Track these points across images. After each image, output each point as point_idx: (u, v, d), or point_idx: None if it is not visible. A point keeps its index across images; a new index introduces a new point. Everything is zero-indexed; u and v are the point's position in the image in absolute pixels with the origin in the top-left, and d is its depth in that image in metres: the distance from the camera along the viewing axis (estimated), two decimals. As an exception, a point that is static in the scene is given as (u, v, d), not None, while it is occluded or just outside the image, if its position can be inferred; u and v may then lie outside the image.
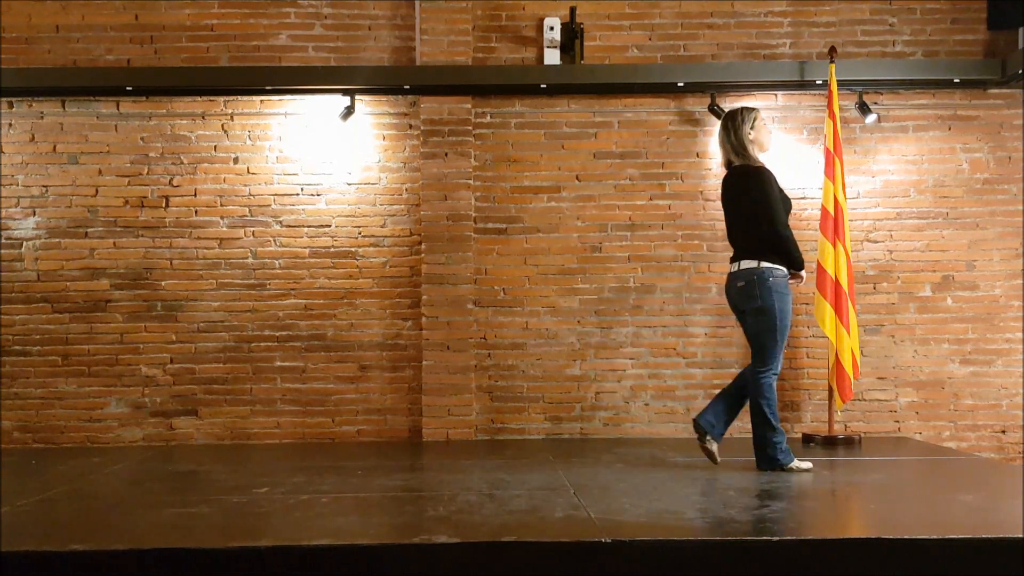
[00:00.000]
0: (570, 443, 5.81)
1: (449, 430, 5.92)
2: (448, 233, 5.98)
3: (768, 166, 4.66)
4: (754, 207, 4.55)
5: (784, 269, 4.56)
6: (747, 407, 4.67)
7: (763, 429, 4.57)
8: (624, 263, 6.06)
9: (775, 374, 4.59)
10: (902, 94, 6.12)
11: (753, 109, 4.73)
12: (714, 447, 4.68)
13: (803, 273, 4.67)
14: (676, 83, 5.95)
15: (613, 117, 6.11)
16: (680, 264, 6.09)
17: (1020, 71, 5.72)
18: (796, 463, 4.57)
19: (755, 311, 4.54)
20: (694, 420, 4.70)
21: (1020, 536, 3.15)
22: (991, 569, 3.12)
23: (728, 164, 4.74)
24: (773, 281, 4.50)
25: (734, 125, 4.66)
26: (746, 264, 4.57)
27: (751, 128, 4.65)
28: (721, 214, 6.04)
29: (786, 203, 4.67)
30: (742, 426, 6.02)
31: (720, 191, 4.81)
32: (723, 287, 6.04)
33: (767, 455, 4.58)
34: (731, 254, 4.75)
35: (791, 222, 4.69)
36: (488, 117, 6.11)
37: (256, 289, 6.05)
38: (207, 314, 6.03)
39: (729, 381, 6.00)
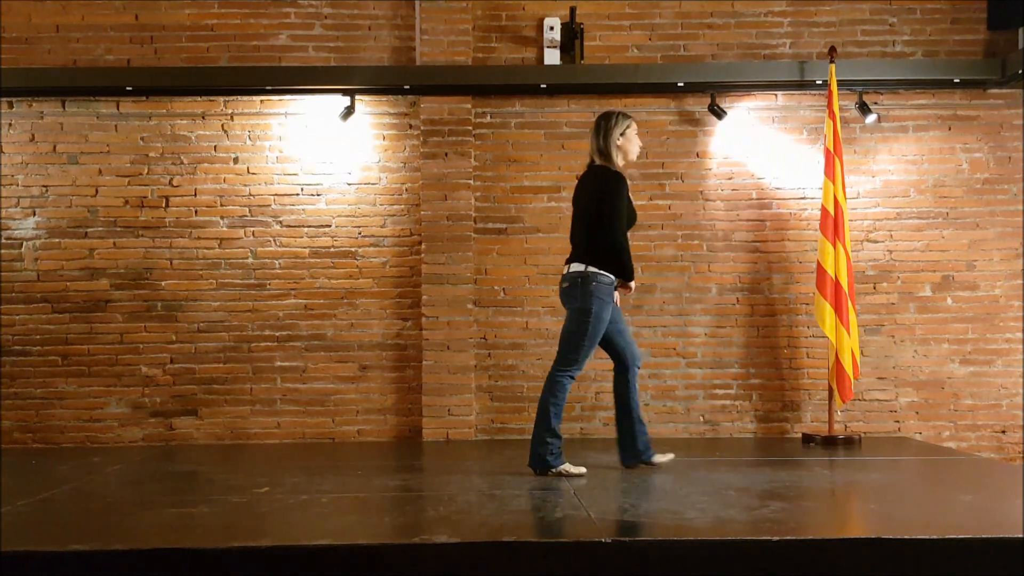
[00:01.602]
0: (570, 443, 5.79)
1: (449, 430, 5.92)
2: (448, 233, 5.98)
3: (625, 174, 4.59)
4: (599, 211, 4.47)
5: (611, 277, 4.47)
6: (632, 412, 4.67)
7: (542, 428, 4.50)
8: (624, 263, 6.05)
9: (572, 377, 4.54)
10: (902, 94, 6.12)
11: (628, 117, 4.65)
12: (663, 458, 4.71)
13: (632, 285, 4.60)
14: (676, 83, 5.95)
15: (613, 117, 6.11)
16: (680, 264, 6.09)
17: (1020, 71, 5.72)
18: (567, 467, 4.51)
19: (575, 311, 4.49)
20: (635, 465, 4.70)
21: (1020, 536, 3.15)
22: (991, 569, 3.12)
23: (589, 164, 4.68)
24: (596, 286, 4.44)
25: (606, 127, 4.58)
26: (575, 267, 4.50)
27: (621, 134, 4.59)
28: (721, 214, 6.12)
29: (631, 216, 4.58)
30: (739, 426, 6.04)
31: (574, 188, 4.74)
32: (721, 287, 6.11)
33: (539, 454, 4.51)
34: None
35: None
36: (488, 117, 6.11)
37: (256, 289, 6.05)
38: (207, 314, 6.03)
39: (729, 380, 6.05)
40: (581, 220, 4.59)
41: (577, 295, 4.46)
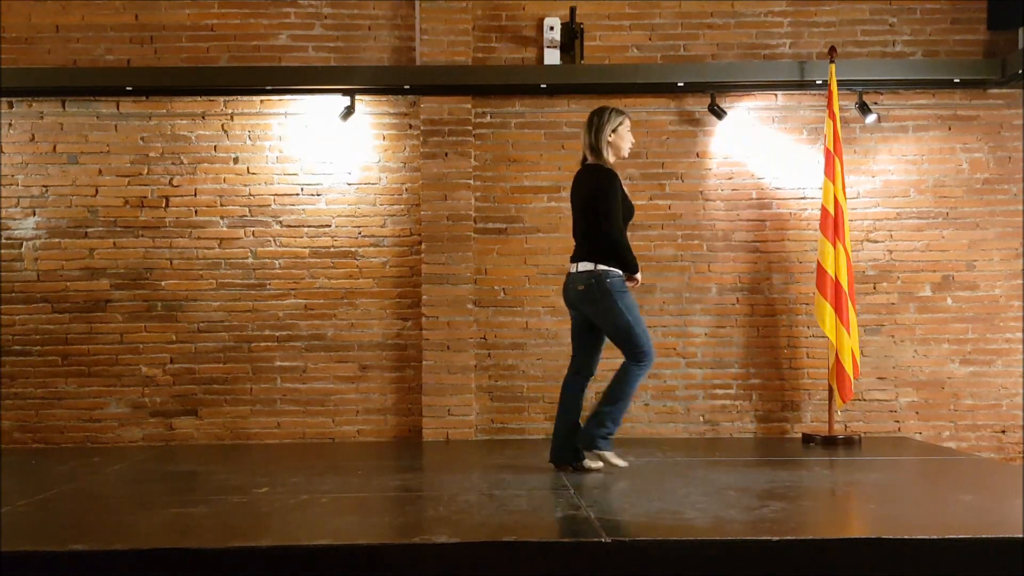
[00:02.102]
0: (570, 443, 5.80)
1: (449, 430, 5.92)
2: (448, 233, 5.98)
3: (617, 171, 4.60)
4: (595, 208, 4.51)
5: (619, 271, 4.53)
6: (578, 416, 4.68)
7: (604, 410, 4.54)
8: (624, 263, 6.06)
9: (648, 367, 4.56)
10: (902, 94, 6.12)
11: (622, 113, 4.66)
12: (594, 464, 4.67)
13: (638, 276, 4.62)
14: (676, 83, 5.95)
15: (613, 117, 6.11)
16: (680, 264, 6.09)
17: (1020, 71, 5.72)
18: (611, 455, 4.56)
19: (603, 313, 4.52)
20: (564, 467, 4.69)
21: (1020, 536, 3.15)
22: (991, 569, 3.12)
23: (583, 161, 4.70)
24: (611, 282, 4.49)
25: (597, 124, 4.59)
26: (584, 266, 4.53)
27: (612, 131, 4.60)
28: (721, 214, 6.12)
29: (628, 210, 4.59)
30: (739, 426, 6.03)
31: (571, 186, 4.76)
32: (721, 287, 6.10)
33: (590, 433, 4.56)
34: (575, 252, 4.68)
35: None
36: (488, 117, 6.11)
37: (256, 289, 6.05)
38: (207, 314, 6.03)
39: (729, 380, 6.05)
40: (580, 219, 4.64)
41: (596, 296, 4.50)
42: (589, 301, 4.53)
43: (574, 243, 4.66)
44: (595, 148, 4.59)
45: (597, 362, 4.74)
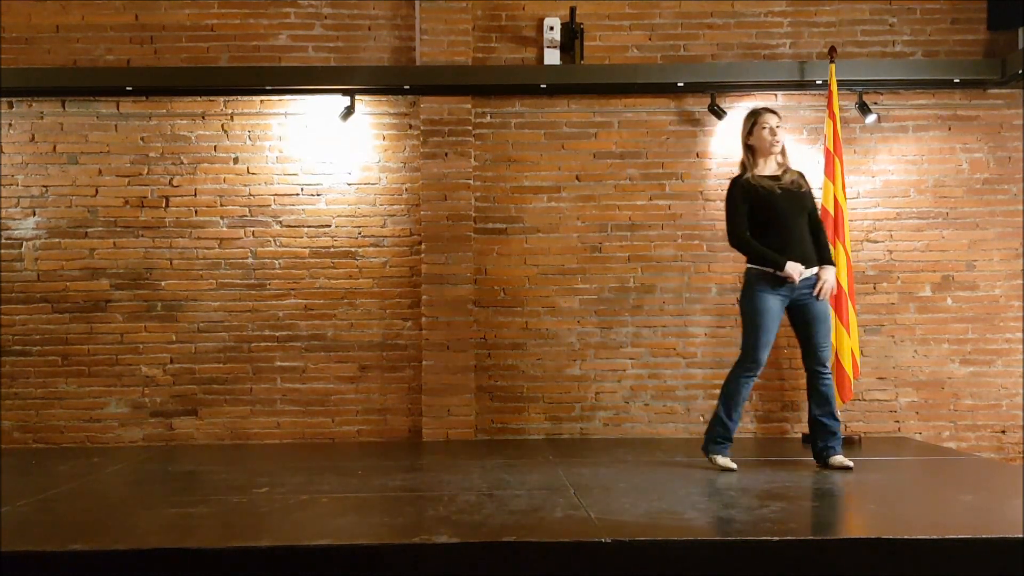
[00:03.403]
0: (570, 443, 5.81)
1: (449, 430, 5.92)
2: (448, 233, 5.98)
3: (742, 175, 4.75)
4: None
5: (762, 268, 4.67)
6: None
7: (715, 411, 4.82)
8: (624, 263, 6.07)
9: (750, 374, 4.68)
10: (902, 94, 6.12)
11: (756, 112, 4.80)
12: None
13: (788, 272, 4.60)
14: (676, 83, 5.95)
15: (613, 117, 6.12)
16: (680, 264, 6.09)
17: (1020, 71, 5.72)
18: (718, 459, 4.74)
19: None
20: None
21: (1020, 536, 3.15)
22: (991, 569, 3.12)
23: None
24: (748, 278, 4.72)
25: (741, 131, 4.85)
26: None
27: (748, 133, 4.79)
28: (721, 214, 6.05)
29: (762, 207, 4.66)
30: (742, 426, 6.03)
31: None
32: (721, 287, 6.10)
33: (704, 438, 4.84)
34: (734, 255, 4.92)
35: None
36: (488, 117, 6.11)
37: (256, 289, 6.05)
38: (207, 314, 6.03)
39: (729, 381, 6.05)
40: None
41: (741, 293, 4.77)
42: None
43: None
44: (743, 155, 4.83)
45: (815, 350, 4.70)
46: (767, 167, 4.76)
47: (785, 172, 4.76)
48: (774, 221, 4.64)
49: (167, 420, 6.01)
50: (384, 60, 6.12)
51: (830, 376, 4.74)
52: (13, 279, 6.00)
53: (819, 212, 4.87)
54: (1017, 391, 6.04)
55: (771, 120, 4.73)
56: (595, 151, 6.11)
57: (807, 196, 4.74)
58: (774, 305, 4.63)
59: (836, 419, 4.72)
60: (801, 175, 4.80)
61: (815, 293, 4.63)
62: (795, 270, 4.57)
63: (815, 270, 4.66)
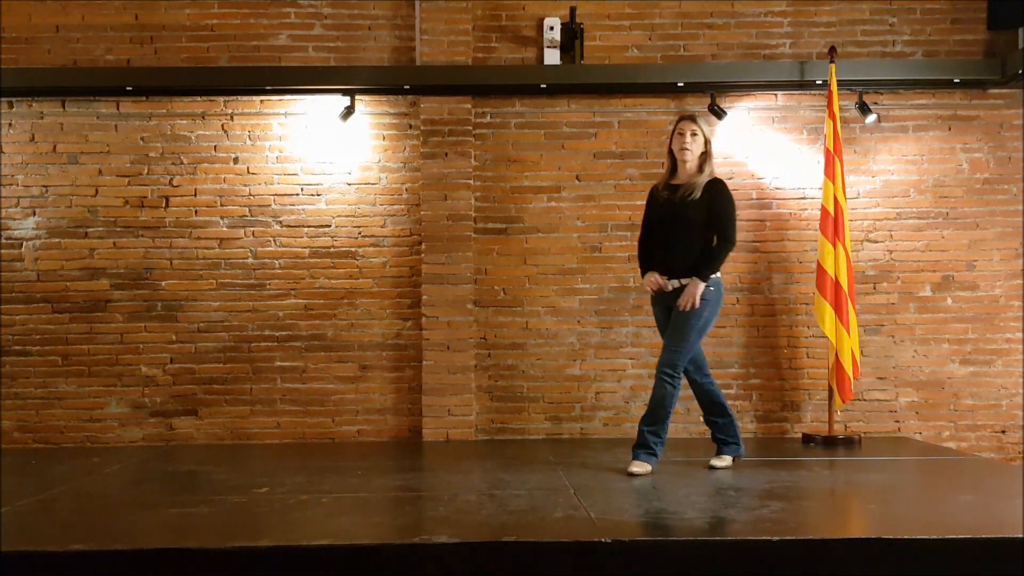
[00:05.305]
0: (570, 443, 5.81)
1: (449, 430, 5.92)
2: (448, 233, 5.98)
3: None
4: None
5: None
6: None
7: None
8: (624, 263, 6.06)
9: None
10: (902, 94, 6.12)
11: (678, 118, 4.74)
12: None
13: (644, 280, 4.77)
14: (676, 83, 5.95)
15: (613, 117, 6.12)
16: (680, 264, 6.08)
17: (1020, 71, 5.72)
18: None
19: None
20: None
21: (1020, 536, 3.15)
22: (991, 569, 3.12)
23: None
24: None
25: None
26: None
27: (669, 138, 4.77)
28: (721, 214, 6.11)
29: (650, 221, 4.86)
30: (742, 426, 6.03)
31: None
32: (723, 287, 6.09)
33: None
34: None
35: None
36: (488, 117, 6.11)
37: (256, 289, 6.05)
38: (207, 314, 6.03)
39: (729, 380, 6.05)
40: None
41: None
42: None
43: None
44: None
45: (662, 352, 4.70)
46: (682, 174, 4.69)
47: (691, 180, 4.63)
48: (656, 230, 4.73)
49: (167, 420, 6.01)
50: (384, 60, 6.12)
51: (669, 382, 4.62)
52: (13, 279, 6.00)
53: (724, 221, 4.59)
54: (1017, 391, 6.04)
55: (686, 127, 4.62)
56: (595, 151, 6.11)
57: (694, 206, 4.56)
58: (658, 313, 4.79)
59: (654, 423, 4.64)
60: (710, 185, 4.60)
61: (678, 303, 4.57)
62: (649, 280, 4.70)
63: (685, 281, 4.57)
